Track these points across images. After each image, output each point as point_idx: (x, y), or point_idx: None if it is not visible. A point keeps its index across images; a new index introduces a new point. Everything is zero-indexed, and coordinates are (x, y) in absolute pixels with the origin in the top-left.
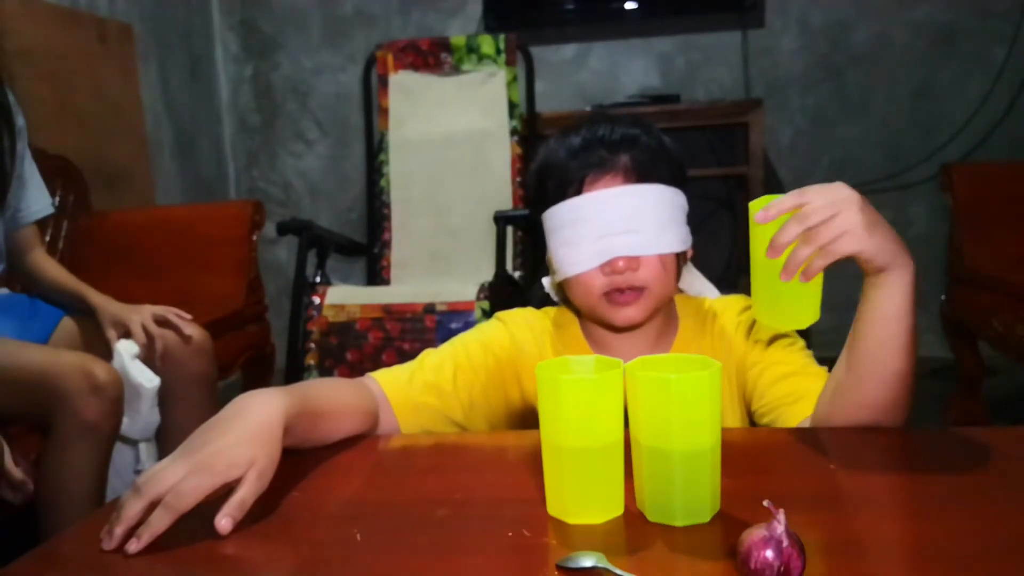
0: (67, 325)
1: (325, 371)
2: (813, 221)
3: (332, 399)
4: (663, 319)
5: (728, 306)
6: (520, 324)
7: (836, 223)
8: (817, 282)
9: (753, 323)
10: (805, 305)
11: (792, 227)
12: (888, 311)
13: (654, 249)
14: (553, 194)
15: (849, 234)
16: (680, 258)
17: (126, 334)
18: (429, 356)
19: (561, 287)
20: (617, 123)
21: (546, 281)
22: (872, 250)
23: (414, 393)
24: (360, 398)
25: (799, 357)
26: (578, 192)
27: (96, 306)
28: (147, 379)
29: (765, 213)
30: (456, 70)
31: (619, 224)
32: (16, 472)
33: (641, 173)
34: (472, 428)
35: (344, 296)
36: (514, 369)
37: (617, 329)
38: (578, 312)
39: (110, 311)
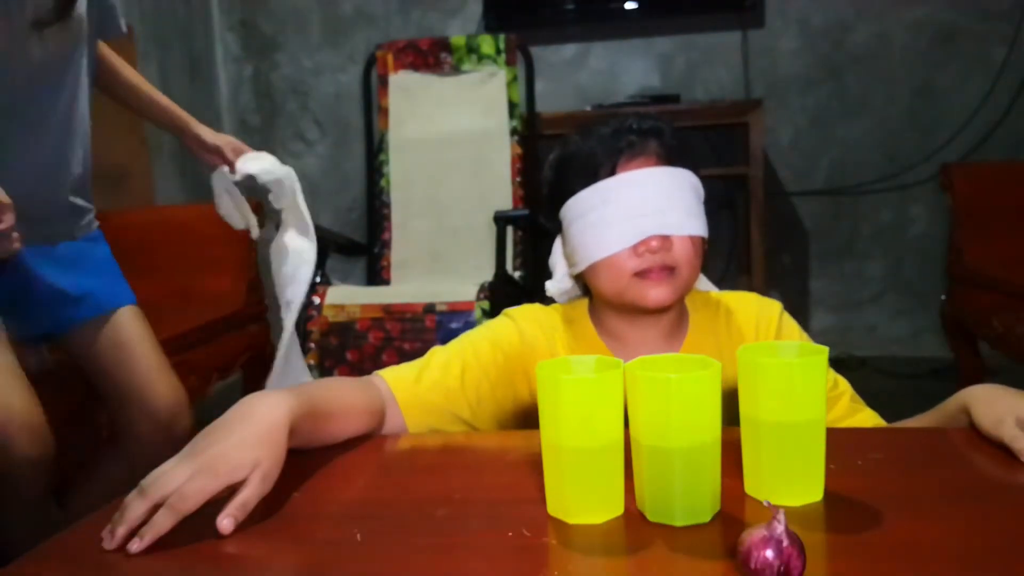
0: (134, 314)
1: (325, 371)
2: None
3: (338, 399)
4: (676, 312)
5: (742, 305)
6: (530, 320)
7: None
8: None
9: None
10: (812, 477)
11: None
12: None
13: (687, 229)
14: (579, 181)
15: None
16: (703, 247)
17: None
18: (436, 354)
19: (578, 279)
20: (641, 116)
21: (549, 284)
22: None
23: (421, 392)
24: (367, 397)
25: (844, 404)
26: (611, 173)
27: (185, 126)
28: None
29: None
30: (456, 70)
31: (652, 204)
32: None
33: (670, 159)
34: (480, 427)
35: (344, 296)
36: (523, 366)
37: (647, 311)
38: (590, 306)
39: (201, 135)
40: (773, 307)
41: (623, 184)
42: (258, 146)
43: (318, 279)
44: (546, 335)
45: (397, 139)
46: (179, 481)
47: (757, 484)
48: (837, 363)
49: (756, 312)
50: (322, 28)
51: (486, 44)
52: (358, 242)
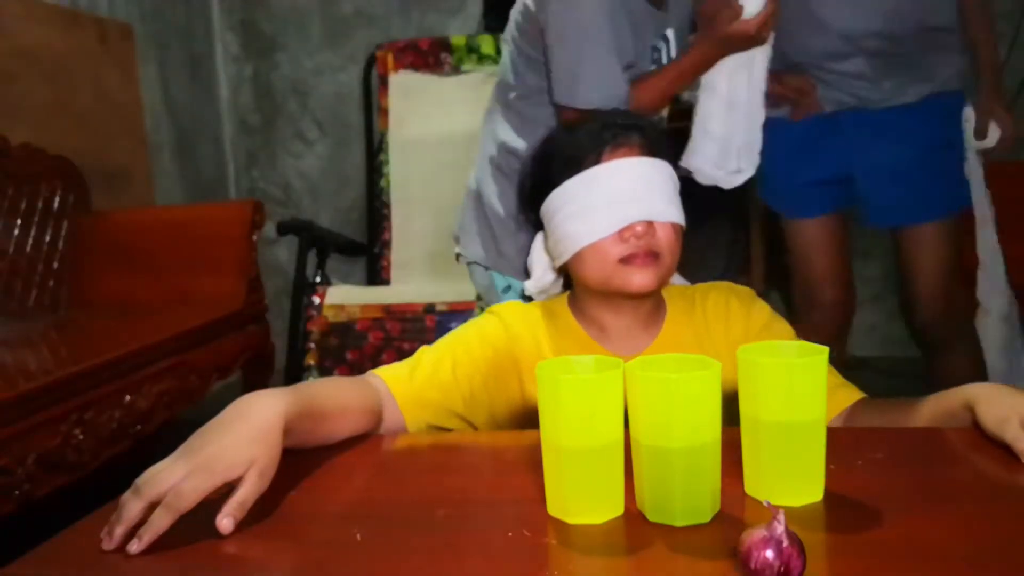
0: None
1: (325, 371)
2: None
3: (335, 398)
4: (654, 300)
5: (714, 292)
6: (514, 314)
7: None
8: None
9: (761, 330)
10: (812, 477)
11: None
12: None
13: (670, 216)
14: (564, 173)
15: None
16: (681, 237)
17: None
18: (427, 352)
19: (561, 271)
20: (623, 113)
21: (529, 283)
22: None
23: (417, 388)
24: (364, 396)
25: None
26: (596, 163)
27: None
28: None
29: None
30: (456, 70)
31: (637, 191)
32: None
33: (652, 150)
34: (474, 421)
35: (344, 296)
36: (512, 359)
37: (631, 296)
38: (570, 299)
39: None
40: (744, 292)
41: (609, 171)
42: (258, 146)
43: (318, 279)
44: (530, 329)
45: (397, 139)
46: (175, 479)
47: (757, 484)
48: (837, 363)
49: (727, 297)
50: (322, 28)
51: (486, 44)
52: (358, 242)
